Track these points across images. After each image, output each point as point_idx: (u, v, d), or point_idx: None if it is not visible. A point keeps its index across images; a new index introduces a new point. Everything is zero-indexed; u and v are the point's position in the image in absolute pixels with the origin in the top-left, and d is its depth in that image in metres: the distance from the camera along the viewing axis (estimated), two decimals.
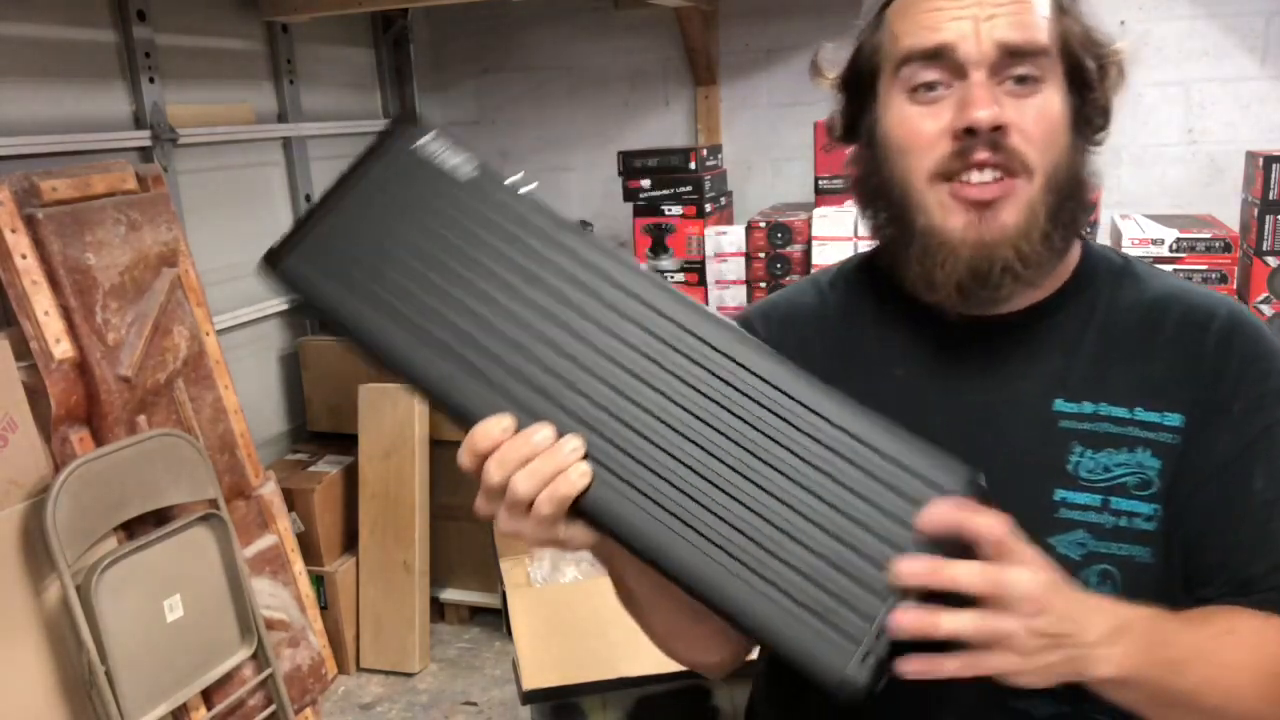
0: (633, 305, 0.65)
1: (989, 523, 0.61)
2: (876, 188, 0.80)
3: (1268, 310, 2.18)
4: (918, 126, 0.75)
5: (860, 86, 0.81)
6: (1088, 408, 0.78)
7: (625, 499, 0.63)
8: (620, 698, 1.51)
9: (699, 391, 0.64)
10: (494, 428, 0.64)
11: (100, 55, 2.29)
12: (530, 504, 0.63)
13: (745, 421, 0.63)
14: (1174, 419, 0.78)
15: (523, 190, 0.68)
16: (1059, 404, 0.79)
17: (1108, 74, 0.79)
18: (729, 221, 2.75)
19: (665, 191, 2.57)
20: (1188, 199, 2.71)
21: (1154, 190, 2.74)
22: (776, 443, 0.62)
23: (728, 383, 0.64)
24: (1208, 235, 2.17)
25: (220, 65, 2.66)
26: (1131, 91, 3.03)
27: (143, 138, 2.34)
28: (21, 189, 1.84)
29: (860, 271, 0.90)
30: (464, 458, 0.65)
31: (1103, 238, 2.43)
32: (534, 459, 0.63)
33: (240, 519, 2.19)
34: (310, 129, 2.93)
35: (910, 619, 0.60)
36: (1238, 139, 2.63)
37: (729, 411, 0.63)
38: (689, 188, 2.55)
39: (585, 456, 0.63)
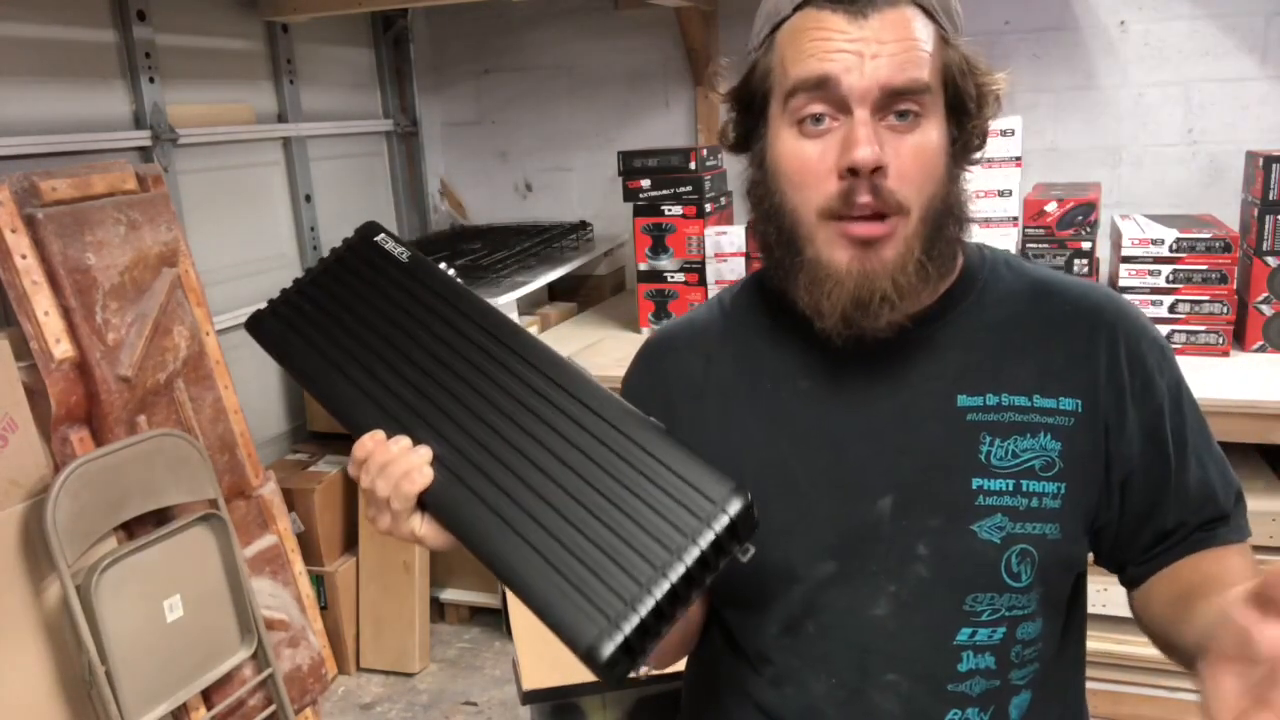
0: (495, 347, 0.81)
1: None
2: (768, 212, 0.85)
3: (1268, 310, 2.18)
4: (807, 161, 0.80)
5: (752, 105, 0.86)
6: (991, 399, 0.85)
7: (458, 497, 0.76)
8: (620, 698, 1.51)
9: (530, 410, 0.78)
10: (368, 441, 0.77)
11: (100, 55, 2.29)
12: (388, 501, 0.76)
13: (560, 435, 0.76)
14: (1069, 404, 0.85)
15: (447, 269, 0.87)
16: (962, 399, 0.85)
17: (986, 102, 0.84)
18: (729, 221, 2.75)
19: (665, 191, 2.57)
20: (1188, 199, 2.71)
21: (1154, 190, 2.74)
22: (582, 452, 0.75)
23: (552, 403, 0.78)
24: (1208, 235, 2.17)
25: (220, 65, 2.66)
26: (1131, 91, 3.03)
27: (143, 138, 2.35)
28: (21, 189, 1.84)
29: (755, 290, 0.96)
30: (350, 468, 0.79)
31: (1103, 238, 2.44)
32: (390, 464, 0.76)
33: (240, 519, 2.19)
34: (310, 129, 2.93)
35: None
36: (1238, 139, 2.63)
37: (548, 426, 0.77)
38: (689, 188, 2.55)
39: (435, 461, 0.76)
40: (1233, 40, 2.60)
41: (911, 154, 0.79)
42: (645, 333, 2.59)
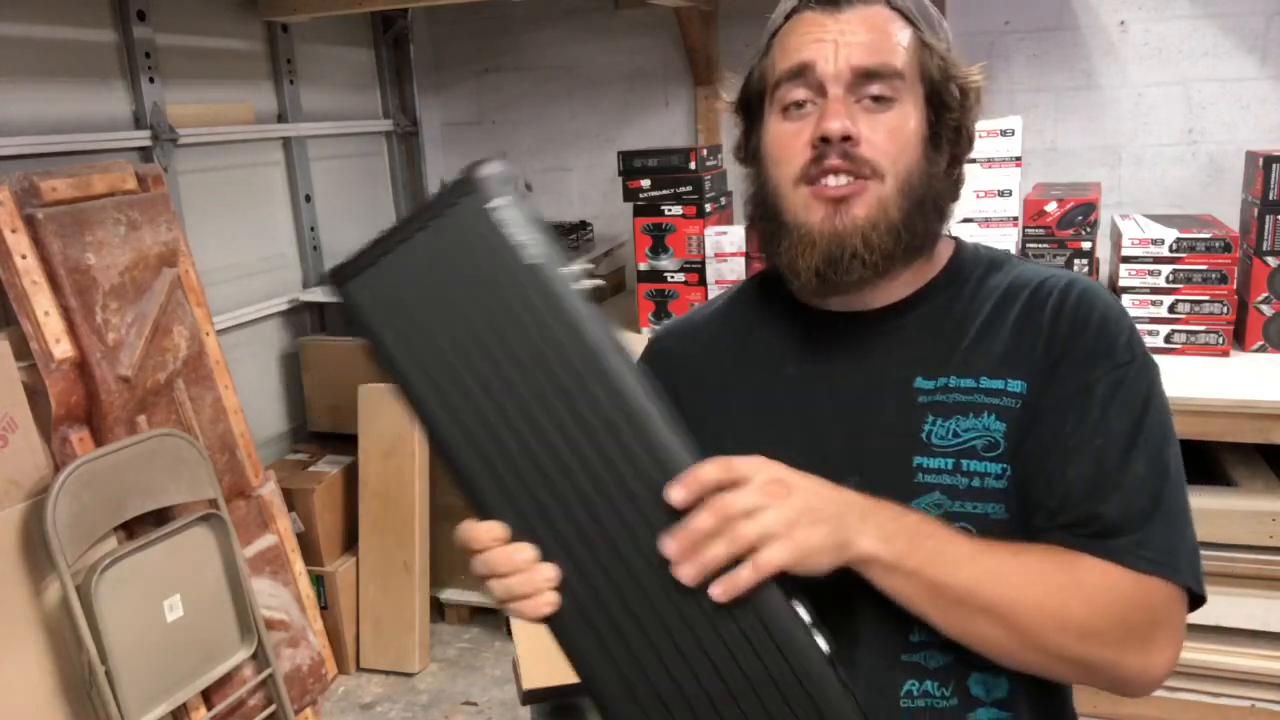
0: (644, 459, 0.69)
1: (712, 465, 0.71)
2: (756, 194, 0.91)
3: (1268, 310, 2.18)
4: (786, 139, 0.86)
5: (750, 109, 0.92)
6: (940, 382, 0.87)
7: (584, 638, 0.69)
8: None
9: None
10: (486, 534, 0.72)
11: (100, 55, 2.29)
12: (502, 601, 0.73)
13: (707, 617, 0.68)
14: (1016, 385, 0.86)
15: (583, 285, 0.71)
16: (919, 382, 0.88)
17: (967, 98, 0.88)
18: (729, 221, 2.75)
19: (665, 191, 2.57)
20: (1188, 199, 2.71)
21: (1154, 190, 2.74)
22: (717, 635, 0.68)
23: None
24: (1208, 235, 2.17)
25: (220, 65, 2.66)
26: (1131, 91, 3.02)
27: (143, 138, 2.35)
28: (21, 189, 1.84)
29: (758, 285, 1.01)
30: (459, 543, 0.74)
31: (1103, 238, 2.43)
32: (511, 576, 0.71)
33: (240, 519, 2.19)
34: (310, 129, 2.93)
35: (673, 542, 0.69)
36: (1238, 139, 2.63)
37: (694, 599, 0.68)
38: (689, 188, 2.55)
39: (559, 586, 0.71)
40: (1233, 40, 2.60)
41: (885, 130, 0.84)
42: (646, 333, 2.59)
